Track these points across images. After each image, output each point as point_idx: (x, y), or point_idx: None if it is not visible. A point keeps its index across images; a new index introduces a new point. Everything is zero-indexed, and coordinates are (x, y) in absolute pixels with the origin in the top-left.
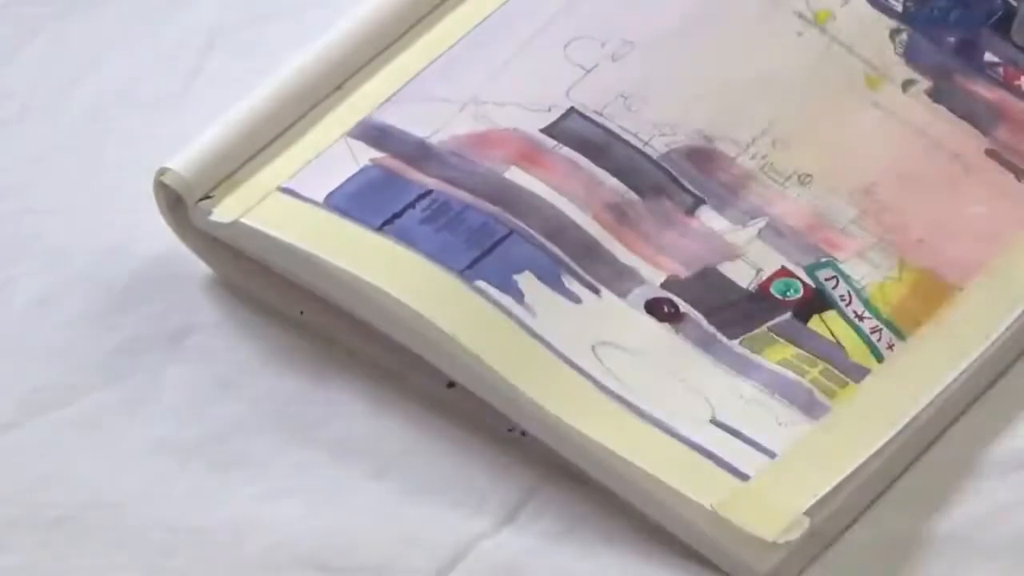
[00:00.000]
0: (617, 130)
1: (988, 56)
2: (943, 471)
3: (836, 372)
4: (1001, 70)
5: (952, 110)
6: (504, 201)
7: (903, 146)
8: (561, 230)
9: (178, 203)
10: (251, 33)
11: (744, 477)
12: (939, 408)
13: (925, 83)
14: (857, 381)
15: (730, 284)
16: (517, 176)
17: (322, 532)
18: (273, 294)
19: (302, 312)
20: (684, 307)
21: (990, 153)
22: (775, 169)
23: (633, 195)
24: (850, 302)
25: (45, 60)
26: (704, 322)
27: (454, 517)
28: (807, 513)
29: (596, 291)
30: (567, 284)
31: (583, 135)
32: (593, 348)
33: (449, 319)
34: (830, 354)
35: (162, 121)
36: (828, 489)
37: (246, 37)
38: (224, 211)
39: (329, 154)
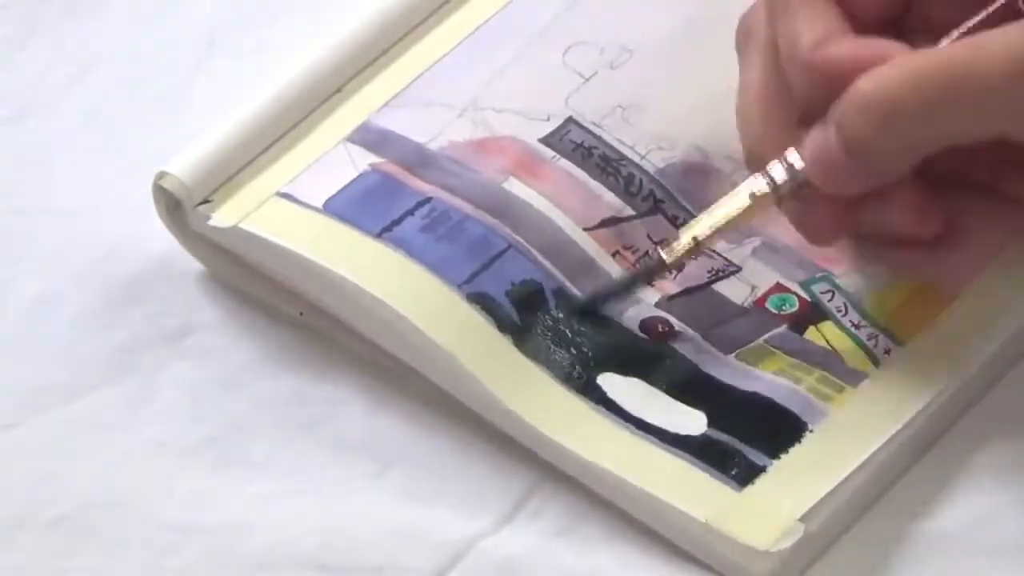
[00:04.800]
0: (615, 143)
1: None
2: (940, 473)
3: (833, 378)
4: None
5: None
6: (503, 213)
7: None
8: (557, 246)
9: (177, 206)
10: (252, 33)
11: (739, 486)
12: (937, 410)
13: None
14: (854, 386)
15: (725, 301)
16: (515, 187)
17: (321, 531)
18: (272, 295)
19: (301, 313)
20: (679, 326)
21: None
22: None
23: (630, 210)
24: (846, 312)
25: (44, 60)
26: (699, 339)
27: (454, 516)
28: (802, 519)
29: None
30: (563, 303)
31: (581, 148)
32: (589, 367)
33: (447, 335)
34: (827, 362)
35: (162, 121)
36: (823, 495)
37: (247, 37)
38: (223, 216)
39: (328, 159)
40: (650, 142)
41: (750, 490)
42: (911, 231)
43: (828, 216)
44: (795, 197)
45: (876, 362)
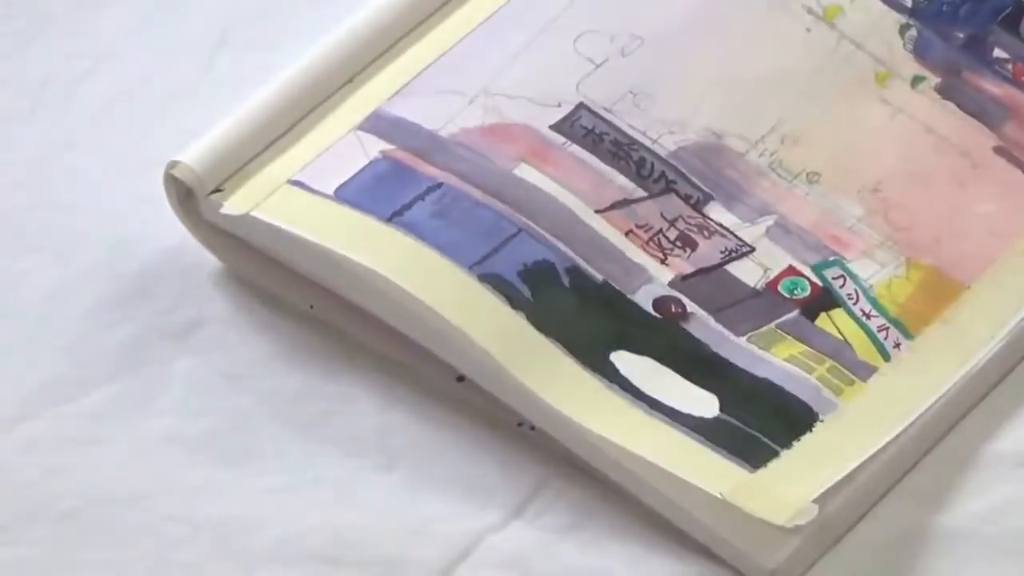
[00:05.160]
0: (626, 128)
1: (997, 52)
2: (950, 467)
3: (843, 370)
4: (1010, 66)
5: (961, 107)
6: (513, 198)
7: (911, 143)
8: (570, 229)
9: (189, 196)
10: (263, 27)
11: (752, 468)
12: (946, 405)
13: (934, 79)
14: (864, 379)
15: (738, 282)
16: (526, 173)
17: (331, 526)
18: (283, 287)
19: (312, 306)
20: (691, 306)
21: (998, 150)
22: (784, 166)
23: (641, 192)
24: (857, 300)
25: (57, 54)
26: (712, 321)
27: (463, 511)
28: (815, 501)
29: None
30: (576, 282)
31: (592, 134)
32: (602, 344)
33: (458, 312)
34: (837, 352)
35: (174, 115)
36: (837, 479)
37: (258, 31)
38: (234, 204)
39: (339, 147)
40: (661, 127)
41: (763, 472)
42: None
43: None
44: None
45: (887, 356)
